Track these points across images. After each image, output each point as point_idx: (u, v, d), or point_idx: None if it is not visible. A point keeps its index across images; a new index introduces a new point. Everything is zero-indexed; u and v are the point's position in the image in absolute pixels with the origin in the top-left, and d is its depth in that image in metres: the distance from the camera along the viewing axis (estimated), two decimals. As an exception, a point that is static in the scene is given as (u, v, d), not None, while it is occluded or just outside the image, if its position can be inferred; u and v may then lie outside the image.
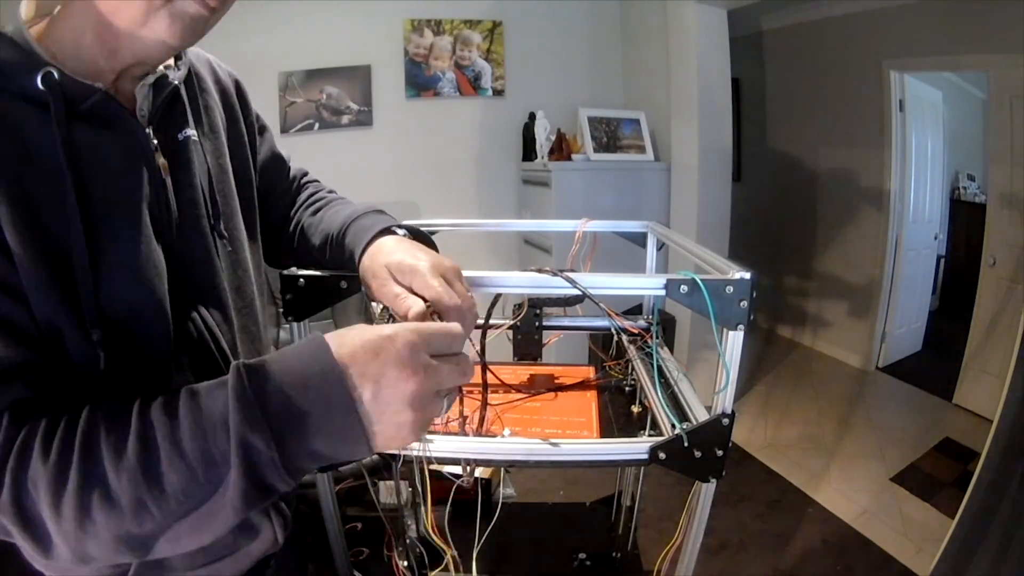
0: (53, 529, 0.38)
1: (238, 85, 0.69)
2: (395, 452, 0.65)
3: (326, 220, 0.69)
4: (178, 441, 0.38)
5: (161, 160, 0.52)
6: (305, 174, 0.80)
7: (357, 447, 0.39)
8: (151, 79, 0.52)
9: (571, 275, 0.60)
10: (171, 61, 0.56)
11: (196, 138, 0.57)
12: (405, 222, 0.66)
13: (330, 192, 0.79)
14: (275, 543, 0.60)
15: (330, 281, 0.69)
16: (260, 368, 0.39)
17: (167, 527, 0.39)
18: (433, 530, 0.67)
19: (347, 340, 0.40)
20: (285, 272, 0.69)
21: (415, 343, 0.39)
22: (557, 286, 0.60)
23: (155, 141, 0.52)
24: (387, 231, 0.62)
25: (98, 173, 0.46)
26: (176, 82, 0.54)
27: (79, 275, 0.43)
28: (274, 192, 0.74)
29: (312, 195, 0.77)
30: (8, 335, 0.41)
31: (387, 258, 0.56)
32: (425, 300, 0.51)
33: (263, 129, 0.73)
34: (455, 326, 0.43)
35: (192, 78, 0.60)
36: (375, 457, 0.63)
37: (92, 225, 0.45)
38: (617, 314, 0.79)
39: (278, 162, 0.75)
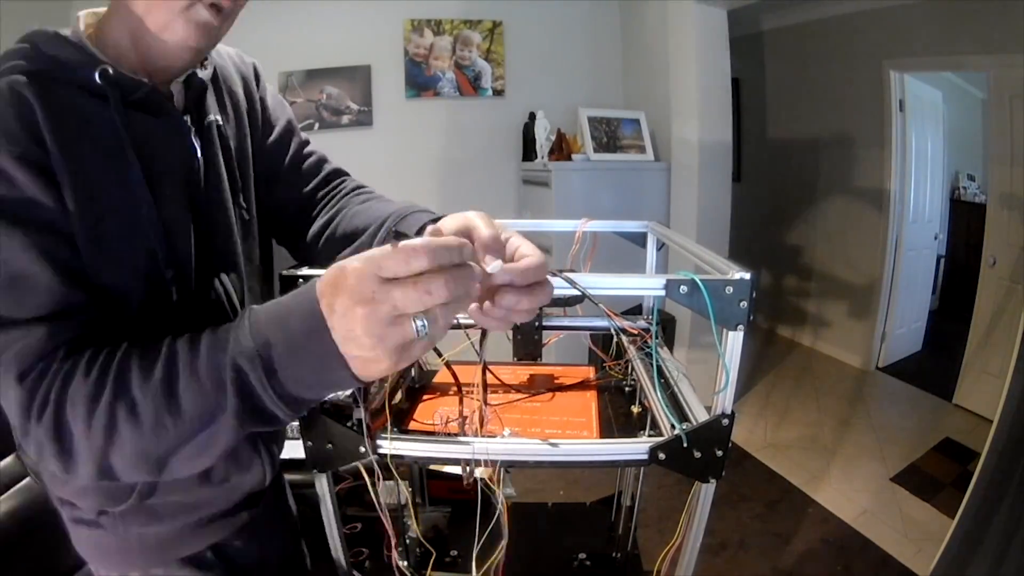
0: (82, 442, 0.44)
1: (255, 69, 0.78)
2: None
3: (375, 209, 0.74)
4: (196, 368, 0.43)
5: (195, 141, 0.62)
6: (325, 160, 0.84)
7: (339, 373, 0.41)
8: (183, 77, 0.62)
9: (571, 275, 0.60)
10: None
11: (221, 122, 0.66)
12: None
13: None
14: (263, 480, 0.69)
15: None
16: (261, 308, 0.44)
17: (179, 447, 0.45)
18: (427, 532, 0.67)
19: (324, 274, 0.42)
20: (285, 272, 0.69)
21: (361, 270, 0.39)
22: (557, 286, 0.60)
23: (191, 126, 0.62)
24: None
25: (148, 150, 0.55)
26: (205, 80, 0.64)
27: (150, 228, 0.54)
28: (284, 166, 0.79)
29: (357, 188, 0.84)
30: (70, 278, 0.48)
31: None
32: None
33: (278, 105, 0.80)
34: (412, 244, 0.40)
35: (218, 74, 0.69)
36: (375, 457, 0.64)
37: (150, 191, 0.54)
38: (617, 314, 0.79)
39: (288, 136, 0.80)
